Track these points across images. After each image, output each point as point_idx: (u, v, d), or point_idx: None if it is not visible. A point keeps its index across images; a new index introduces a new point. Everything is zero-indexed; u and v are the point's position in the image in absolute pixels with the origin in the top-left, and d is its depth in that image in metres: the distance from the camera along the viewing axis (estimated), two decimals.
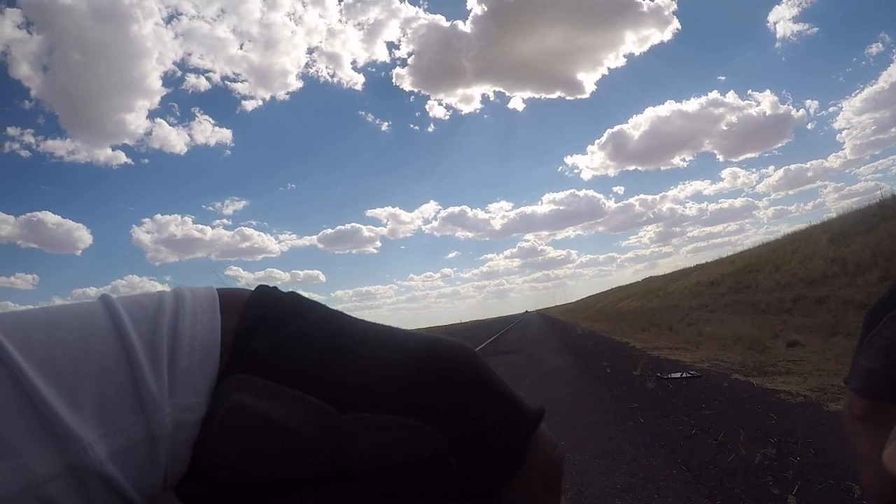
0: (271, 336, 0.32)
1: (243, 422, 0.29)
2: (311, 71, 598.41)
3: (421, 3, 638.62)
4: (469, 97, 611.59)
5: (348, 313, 0.37)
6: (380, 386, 0.32)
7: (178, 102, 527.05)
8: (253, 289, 0.37)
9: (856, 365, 0.62)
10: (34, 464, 0.25)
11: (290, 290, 0.38)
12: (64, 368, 0.27)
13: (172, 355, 0.30)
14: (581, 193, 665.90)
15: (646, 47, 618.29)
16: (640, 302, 28.14)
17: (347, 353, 0.33)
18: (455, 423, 0.33)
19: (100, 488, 0.27)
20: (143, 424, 0.28)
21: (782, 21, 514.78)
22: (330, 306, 0.37)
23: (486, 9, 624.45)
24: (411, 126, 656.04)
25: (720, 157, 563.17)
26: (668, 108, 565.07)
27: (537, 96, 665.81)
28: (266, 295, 0.36)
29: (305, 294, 0.37)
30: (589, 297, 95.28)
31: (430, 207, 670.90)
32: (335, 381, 0.32)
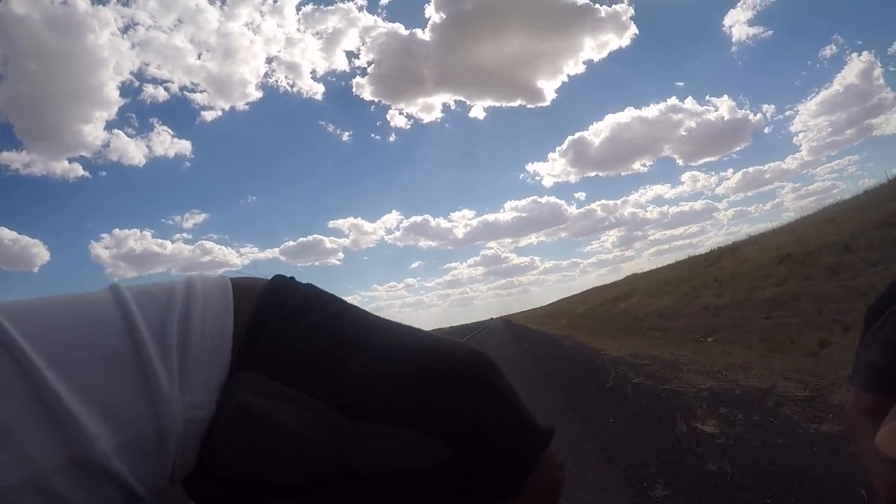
0: (282, 331, 0.31)
1: (247, 422, 0.28)
2: (271, 80, 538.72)
3: (379, 11, 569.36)
4: (430, 106, 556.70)
5: None
6: (388, 392, 0.31)
7: (137, 113, 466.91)
8: (262, 278, 0.35)
9: (858, 360, 0.62)
10: (38, 455, 0.24)
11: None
12: (70, 358, 0.26)
13: (183, 348, 0.28)
14: (543, 200, 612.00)
15: (605, 53, 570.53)
16: (667, 299, 18.34)
17: (358, 354, 0.32)
18: (461, 432, 0.32)
19: (105, 482, 0.25)
20: (152, 419, 0.26)
21: (738, 24, 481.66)
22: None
23: (444, 17, 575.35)
24: (372, 136, 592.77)
25: (680, 162, 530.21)
26: (627, 114, 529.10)
27: (498, 104, 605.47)
28: (282, 286, 0.34)
29: None
30: (562, 300, 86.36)
31: (392, 217, 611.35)
32: (343, 384, 0.31)
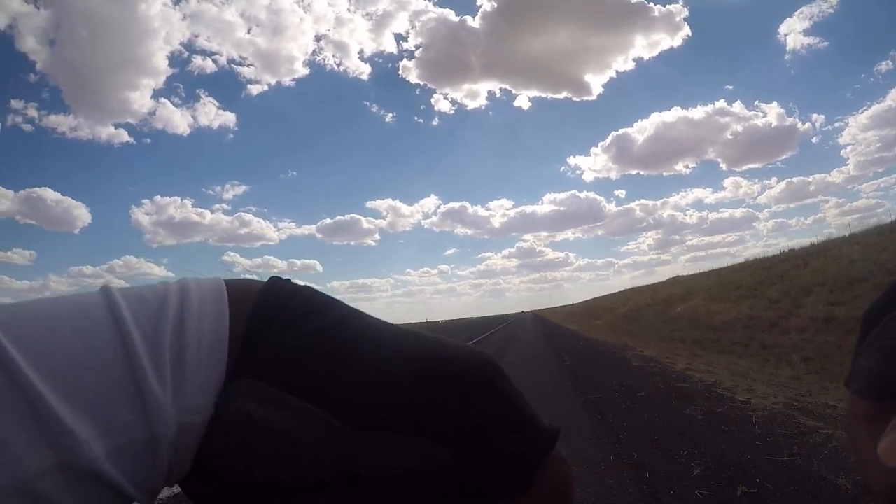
0: (283, 337, 0.30)
1: (249, 431, 0.28)
2: (318, 59, 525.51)
3: None
4: (475, 93, 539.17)
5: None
6: (390, 397, 0.31)
7: (184, 83, 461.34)
8: (257, 279, 0.34)
9: (856, 366, 0.57)
10: (26, 459, 0.23)
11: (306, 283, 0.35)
12: (60, 362, 0.26)
13: (177, 354, 0.28)
14: (582, 195, 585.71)
15: (655, 52, 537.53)
16: (746, 305, 14.33)
17: (359, 359, 0.31)
18: (464, 433, 0.32)
19: (95, 486, 0.25)
20: (144, 424, 0.26)
21: (793, 33, 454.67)
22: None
23: (495, 5, 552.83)
24: (416, 119, 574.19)
25: (723, 166, 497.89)
26: (673, 114, 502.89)
27: (543, 95, 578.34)
28: (278, 289, 0.33)
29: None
30: (597, 298, 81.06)
31: (430, 202, 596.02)
32: (344, 390, 0.30)
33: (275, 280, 0.34)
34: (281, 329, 0.30)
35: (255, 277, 0.34)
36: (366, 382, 0.30)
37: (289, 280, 0.34)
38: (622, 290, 58.70)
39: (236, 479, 0.28)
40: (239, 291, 0.32)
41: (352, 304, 0.34)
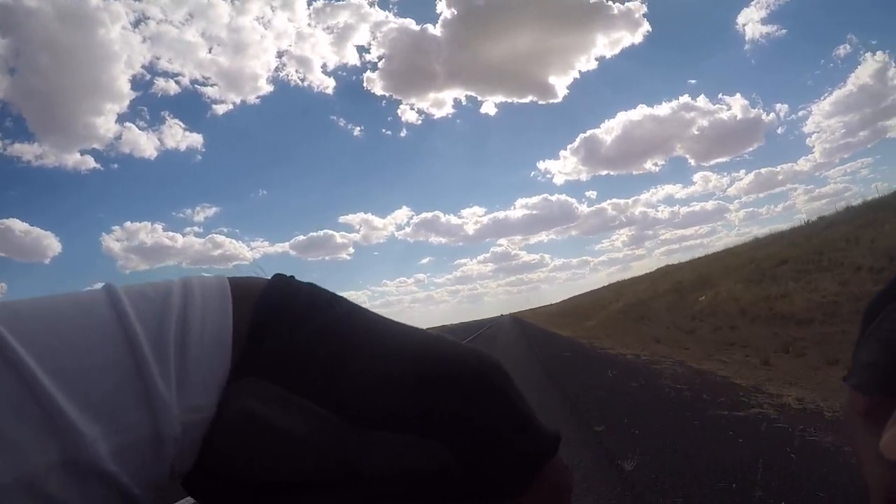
0: (287, 335, 0.31)
1: (252, 430, 0.28)
2: (282, 75, 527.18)
3: (390, 6, 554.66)
4: (441, 101, 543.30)
5: None
6: (392, 396, 0.31)
7: (148, 106, 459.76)
8: (261, 277, 0.35)
9: (855, 360, 0.62)
10: (32, 456, 0.24)
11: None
12: (65, 361, 0.26)
13: (181, 351, 0.28)
14: (554, 198, 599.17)
15: (617, 50, 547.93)
16: (827, 285, 9.54)
17: (363, 358, 0.32)
18: (466, 434, 0.33)
19: (100, 483, 0.25)
20: (149, 423, 0.26)
21: (751, 23, 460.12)
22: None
23: (455, 12, 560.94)
24: (383, 131, 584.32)
25: (692, 162, 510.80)
26: (639, 112, 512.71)
27: (509, 100, 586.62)
28: (282, 286, 0.33)
29: None
30: (579, 295, 76.24)
31: (402, 213, 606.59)
32: (348, 389, 0.31)
33: (279, 277, 0.34)
34: (285, 327, 0.30)
35: (258, 276, 0.34)
36: (369, 382, 0.31)
37: (292, 277, 0.34)
38: (606, 284, 54.38)
39: (239, 477, 0.28)
40: (243, 289, 0.32)
41: None
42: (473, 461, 0.32)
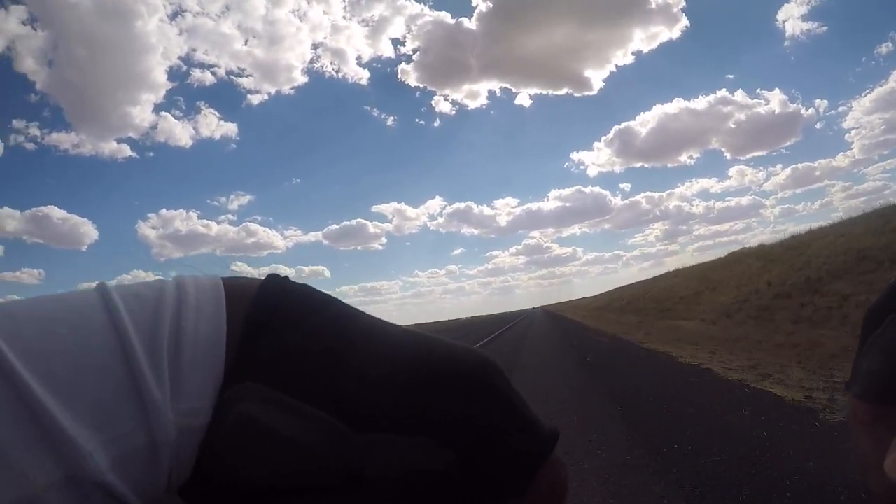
0: (282, 337, 0.30)
1: (251, 434, 0.28)
2: (317, 66, 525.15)
3: (426, 0, 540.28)
4: (475, 93, 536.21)
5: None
6: (390, 397, 0.31)
7: (184, 96, 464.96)
8: (260, 277, 0.34)
9: (858, 368, 0.61)
10: (32, 473, 0.23)
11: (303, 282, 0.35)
12: (59, 367, 0.25)
13: (174, 354, 0.27)
14: (587, 190, 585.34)
15: (654, 45, 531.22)
16: None
17: (360, 359, 0.31)
18: (465, 434, 0.32)
19: (100, 497, 0.25)
20: (145, 430, 0.26)
21: (791, 19, 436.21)
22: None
23: (491, 6, 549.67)
24: (417, 121, 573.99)
25: (728, 155, 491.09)
26: (676, 105, 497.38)
27: (544, 92, 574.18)
28: (277, 287, 0.32)
29: None
30: (620, 288, 68.60)
31: (435, 203, 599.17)
32: (345, 391, 0.30)
33: (272, 278, 0.33)
34: (279, 328, 0.30)
35: (252, 277, 0.34)
36: (367, 383, 0.30)
37: (286, 277, 0.33)
38: (658, 275, 47.64)
39: (239, 483, 0.28)
40: (236, 290, 0.31)
41: (362, 307, 0.33)
42: (473, 461, 0.32)
